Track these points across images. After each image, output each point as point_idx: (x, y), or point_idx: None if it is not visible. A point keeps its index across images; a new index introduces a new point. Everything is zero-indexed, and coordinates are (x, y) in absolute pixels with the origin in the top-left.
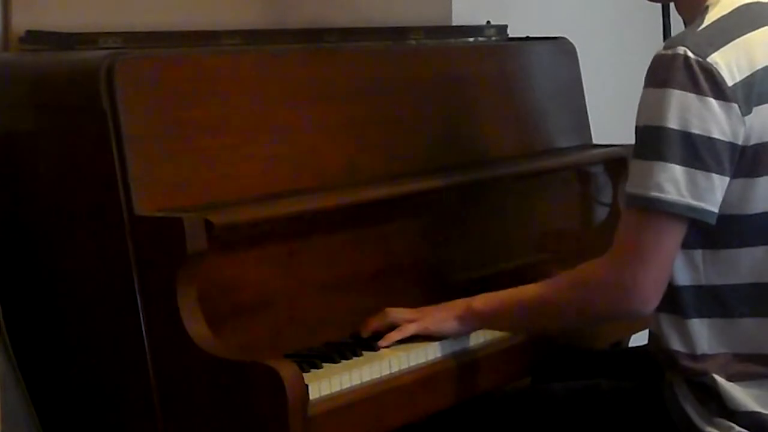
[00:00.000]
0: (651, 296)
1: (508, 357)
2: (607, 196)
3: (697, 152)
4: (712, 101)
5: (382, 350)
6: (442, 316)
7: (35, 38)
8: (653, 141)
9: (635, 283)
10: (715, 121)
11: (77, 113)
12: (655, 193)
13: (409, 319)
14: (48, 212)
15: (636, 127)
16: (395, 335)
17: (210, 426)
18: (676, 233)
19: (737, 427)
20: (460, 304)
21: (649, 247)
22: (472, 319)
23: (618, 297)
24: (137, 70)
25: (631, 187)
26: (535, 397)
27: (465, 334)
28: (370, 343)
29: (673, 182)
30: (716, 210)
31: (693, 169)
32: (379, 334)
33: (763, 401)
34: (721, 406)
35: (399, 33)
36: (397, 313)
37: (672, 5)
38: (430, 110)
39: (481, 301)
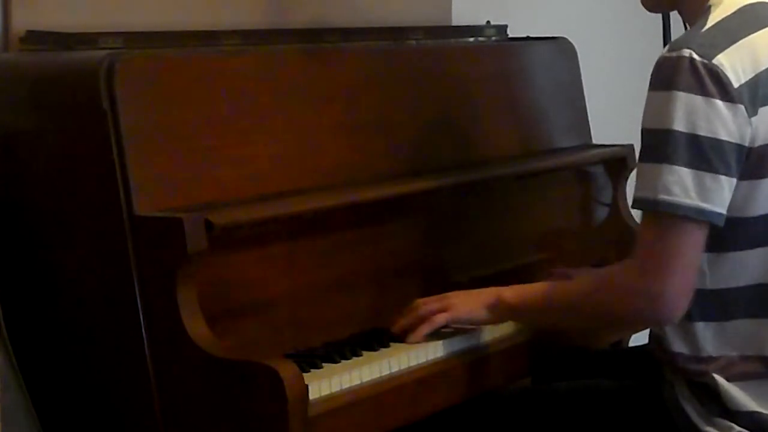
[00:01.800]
0: (679, 303)
1: (508, 357)
2: (607, 196)
3: (704, 154)
4: (719, 103)
5: (382, 350)
6: (471, 305)
7: (35, 38)
8: (660, 144)
9: (663, 290)
10: (721, 122)
11: (77, 113)
12: (662, 196)
13: (438, 309)
14: (48, 212)
15: (642, 131)
16: (425, 328)
17: (210, 426)
18: (696, 237)
19: (737, 427)
20: (489, 293)
21: (671, 253)
22: (501, 309)
23: (646, 305)
24: (137, 70)
25: (639, 190)
26: (535, 397)
27: (492, 323)
28: (370, 343)
29: (681, 184)
30: (724, 212)
31: (701, 171)
32: (380, 334)
33: (763, 401)
34: (721, 406)
35: (399, 33)
36: (425, 305)
37: None
38: (430, 110)
39: (511, 293)
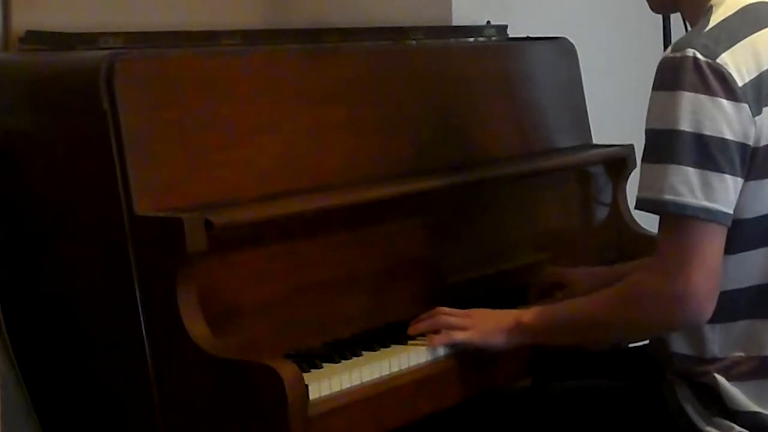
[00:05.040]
0: (704, 303)
1: (509, 357)
2: (607, 196)
3: (709, 153)
4: (724, 102)
5: (382, 350)
6: (491, 327)
7: (35, 38)
8: (665, 144)
9: (685, 291)
10: (726, 121)
11: (77, 113)
12: (669, 196)
13: (459, 325)
14: (48, 212)
15: (646, 131)
16: (441, 339)
17: (210, 426)
18: (710, 236)
19: (737, 427)
20: (509, 317)
21: (688, 253)
22: (520, 333)
23: (672, 308)
24: (137, 70)
25: (643, 190)
26: (535, 397)
27: (511, 348)
28: (370, 343)
29: (687, 184)
30: (731, 211)
31: (706, 171)
32: (379, 334)
33: (764, 401)
34: (721, 406)
35: (399, 33)
36: (447, 317)
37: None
38: (430, 110)
39: (532, 315)
